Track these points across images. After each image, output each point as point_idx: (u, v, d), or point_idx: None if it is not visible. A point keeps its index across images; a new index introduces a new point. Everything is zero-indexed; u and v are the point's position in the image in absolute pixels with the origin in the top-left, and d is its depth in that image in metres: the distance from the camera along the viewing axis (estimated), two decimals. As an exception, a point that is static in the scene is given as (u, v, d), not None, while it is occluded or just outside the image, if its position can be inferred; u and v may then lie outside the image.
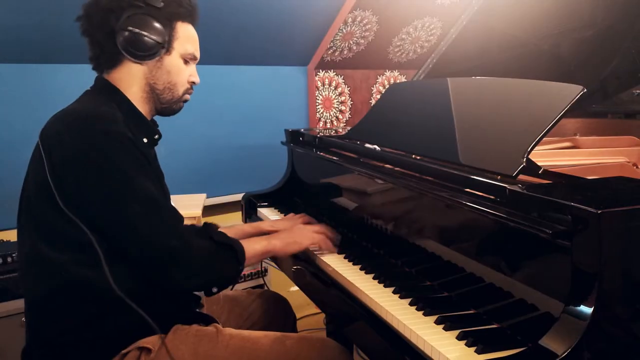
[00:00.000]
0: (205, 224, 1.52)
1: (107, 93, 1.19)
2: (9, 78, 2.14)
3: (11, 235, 2.08)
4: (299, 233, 1.37)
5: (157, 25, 1.16)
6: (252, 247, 1.26)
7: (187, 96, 1.29)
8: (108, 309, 1.09)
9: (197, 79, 1.28)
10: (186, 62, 1.25)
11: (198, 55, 1.27)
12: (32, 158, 1.15)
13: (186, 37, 1.23)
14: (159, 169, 1.29)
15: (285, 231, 1.39)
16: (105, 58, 1.20)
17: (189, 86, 1.27)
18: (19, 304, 1.78)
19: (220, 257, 1.18)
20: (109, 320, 1.09)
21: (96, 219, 1.06)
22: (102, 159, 1.05)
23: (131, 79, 1.21)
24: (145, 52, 1.17)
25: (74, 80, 2.23)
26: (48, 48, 2.13)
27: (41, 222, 1.09)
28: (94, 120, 1.08)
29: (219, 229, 1.48)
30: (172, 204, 1.25)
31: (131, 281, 1.08)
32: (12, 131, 2.17)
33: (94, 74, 1.24)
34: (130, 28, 1.14)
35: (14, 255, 1.83)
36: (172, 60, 1.22)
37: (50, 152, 1.07)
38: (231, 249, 1.19)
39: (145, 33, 1.15)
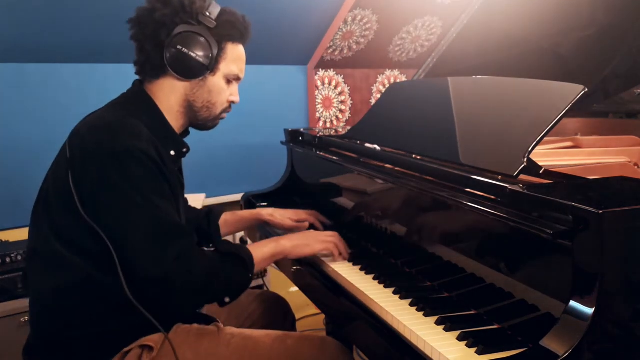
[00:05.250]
0: (209, 212, 1.56)
1: (140, 103, 1.19)
2: (8, 78, 2.13)
3: (11, 235, 2.07)
4: (312, 236, 1.32)
5: (206, 46, 1.17)
6: (261, 250, 1.22)
7: (224, 115, 1.29)
8: (114, 308, 1.09)
9: (237, 99, 1.28)
10: (229, 82, 1.25)
11: (242, 75, 1.27)
12: (58, 156, 1.15)
13: (233, 58, 1.23)
14: (181, 182, 1.28)
15: (296, 233, 1.35)
16: (150, 68, 1.20)
17: (227, 105, 1.27)
18: (18, 304, 1.78)
19: (225, 269, 1.14)
20: (114, 317, 1.10)
21: (105, 231, 1.05)
22: (119, 175, 1.04)
23: (170, 93, 1.21)
24: (190, 72, 1.18)
25: (76, 80, 2.24)
26: (48, 48, 2.13)
27: (58, 222, 1.09)
28: (119, 135, 1.07)
29: (223, 214, 1.57)
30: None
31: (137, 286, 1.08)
32: (12, 132, 2.16)
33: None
34: (179, 47, 1.15)
35: (12, 255, 1.83)
36: (215, 81, 1.22)
37: (74, 159, 1.07)
38: (238, 258, 1.16)
39: (192, 54, 1.15)
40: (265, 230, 1.65)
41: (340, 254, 1.31)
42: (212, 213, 1.56)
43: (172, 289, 1.06)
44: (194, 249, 1.12)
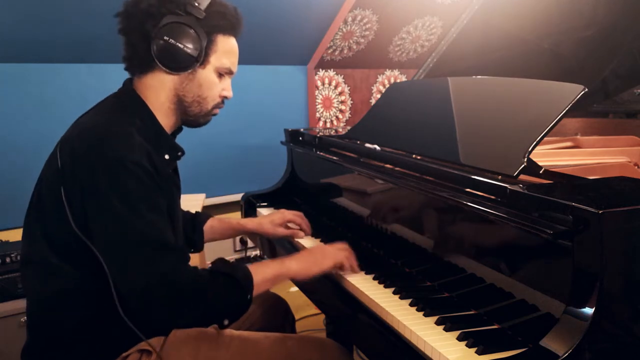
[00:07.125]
0: (195, 217, 1.53)
1: (132, 105, 1.15)
2: (8, 78, 2.14)
3: (11, 236, 2.08)
4: (320, 253, 1.23)
5: (194, 37, 1.12)
6: (262, 271, 1.14)
7: (217, 110, 1.23)
8: (110, 314, 1.07)
9: (229, 94, 1.23)
10: (221, 75, 1.20)
11: (235, 69, 1.22)
12: (48, 163, 1.12)
13: (225, 50, 1.18)
14: (176, 184, 1.24)
15: (303, 251, 1.27)
16: (138, 62, 1.16)
17: (220, 100, 1.22)
18: (18, 304, 1.78)
19: (216, 289, 1.07)
20: (110, 323, 1.08)
21: (93, 242, 1.04)
22: (108, 186, 1.01)
23: (160, 88, 1.16)
24: (178, 64, 1.13)
25: (76, 80, 2.24)
26: (48, 48, 2.13)
27: (51, 230, 1.08)
28: (110, 143, 1.03)
29: (210, 218, 1.54)
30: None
31: None
32: (12, 132, 2.16)
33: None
34: (166, 38, 1.10)
35: (12, 255, 1.83)
36: (206, 74, 1.17)
37: (65, 168, 1.05)
38: (232, 278, 1.09)
39: (180, 45, 1.11)
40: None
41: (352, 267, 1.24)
42: (197, 218, 1.52)
43: (152, 303, 1.01)
44: (182, 265, 1.06)
